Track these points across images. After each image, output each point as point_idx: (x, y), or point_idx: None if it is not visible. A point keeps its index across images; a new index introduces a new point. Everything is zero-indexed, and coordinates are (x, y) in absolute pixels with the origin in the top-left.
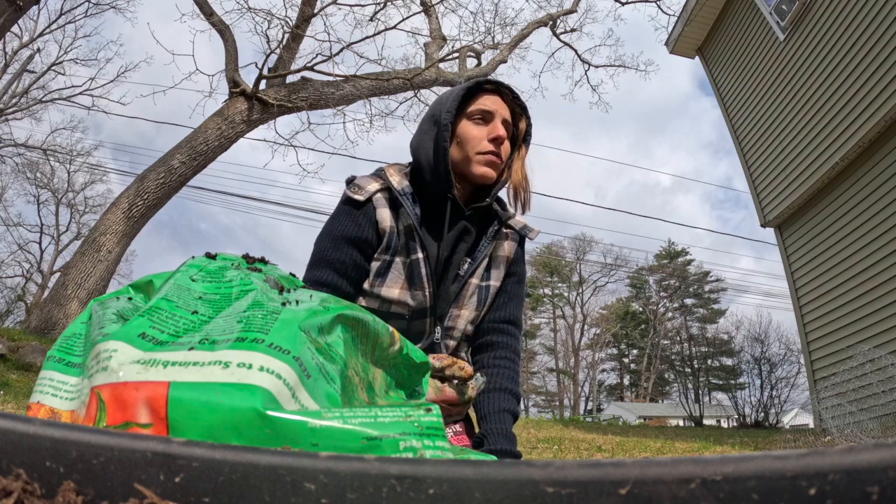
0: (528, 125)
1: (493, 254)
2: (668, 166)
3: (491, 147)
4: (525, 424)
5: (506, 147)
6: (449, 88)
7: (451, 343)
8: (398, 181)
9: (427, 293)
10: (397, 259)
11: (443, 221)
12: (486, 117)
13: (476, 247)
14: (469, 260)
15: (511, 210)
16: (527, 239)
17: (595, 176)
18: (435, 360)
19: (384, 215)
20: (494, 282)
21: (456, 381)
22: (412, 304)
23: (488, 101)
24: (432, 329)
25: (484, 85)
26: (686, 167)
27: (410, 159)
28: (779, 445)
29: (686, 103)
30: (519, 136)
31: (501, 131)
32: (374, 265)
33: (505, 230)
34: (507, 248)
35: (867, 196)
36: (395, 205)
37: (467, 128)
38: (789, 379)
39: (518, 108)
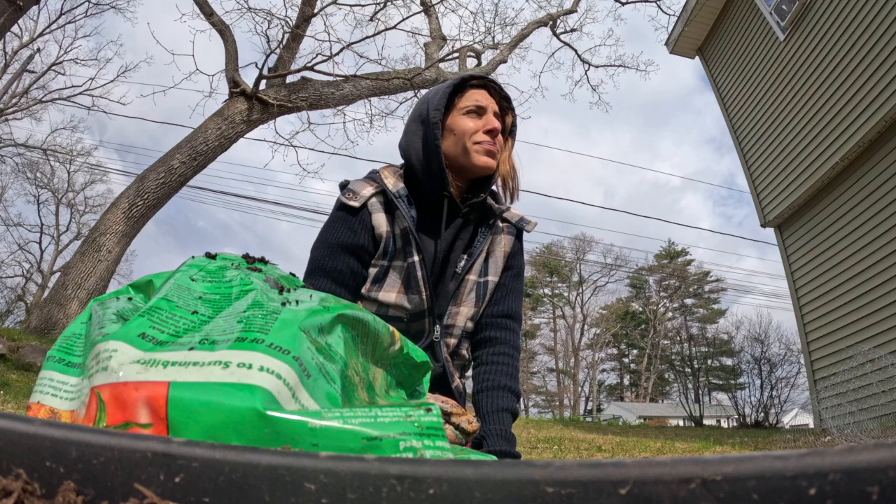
0: (514, 118)
1: (491, 248)
2: (671, 162)
3: (488, 137)
4: (525, 424)
5: (499, 140)
6: (434, 87)
7: (452, 341)
8: (393, 183)
9: (424, 296)
10: (394, 264)
11: (439, 220)
12: (478, 111)
13: (472, 242)
14: (466, 256)
15: (504, 202)
16: (524, 231)
17: (606, 175)
18: (445, 405)
19: (380, 220)
20: (492, 277)
21: (458, 431)
22: (409, 307)
23: (479, 96)
24: (431, 328)
25: (471, 80)
26: (690, 163)
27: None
28: (779, 445)
29: (689, 97)
30: (506, 129)
31: (497, 123)
32: (372, 271)
33: (501, 224)
34: (505, 241)
35: (867, 196)
36: (390, 208)
37: (461, 121)
38: (789, 379)
39: (504, 103)
